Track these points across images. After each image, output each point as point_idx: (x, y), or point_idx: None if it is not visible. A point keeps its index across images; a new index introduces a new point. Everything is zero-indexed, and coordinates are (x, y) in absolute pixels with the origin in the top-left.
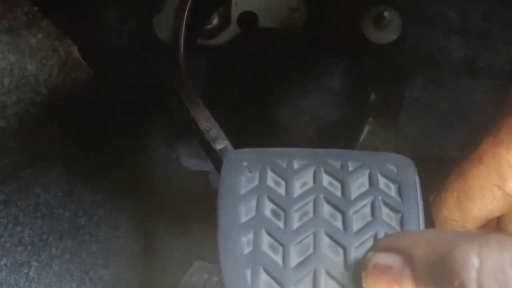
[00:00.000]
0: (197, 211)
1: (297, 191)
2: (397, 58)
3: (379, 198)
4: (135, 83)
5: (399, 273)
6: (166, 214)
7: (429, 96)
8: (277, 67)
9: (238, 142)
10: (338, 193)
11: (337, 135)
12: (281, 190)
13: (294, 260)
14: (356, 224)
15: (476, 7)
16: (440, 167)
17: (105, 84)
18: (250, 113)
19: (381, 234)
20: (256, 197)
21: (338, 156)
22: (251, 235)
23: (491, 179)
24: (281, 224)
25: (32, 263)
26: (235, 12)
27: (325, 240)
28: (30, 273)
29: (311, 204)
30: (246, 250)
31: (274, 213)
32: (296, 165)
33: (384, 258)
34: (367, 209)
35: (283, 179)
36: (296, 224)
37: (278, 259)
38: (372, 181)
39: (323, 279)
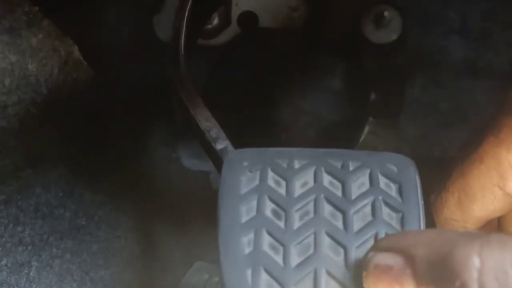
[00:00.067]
0: (198, 211)
1: (297, 191)
2: (397, 58)
3: (380, 198)
4: (135, 83)
5: (400, 273)
6: (167, 214)
7: (429, 96)
8: (277, 67)
9: (239, 142)
10: (339, 193)
11: (337, 135)
12: (282, 190)
13: (294, 260)
14: (356, 224)
15: (476, 7)
16: (440, 167)
17: (105, 84)
18: (250, 113)
19: (381, 234)
20: (257, 197)
21: (338, 156)
22: (251, 235)
23: (492, 179)
24: (281, 224)
25: (32, 263)
26: (235, 12)
27: (326, 240)
28: (31, 273)
29: (311, 204)
30: (247, 250)
31: (275, 213)
32: (296, 165)
33: (385, 258)
34: (368, 209)
35: (284, 179)
36: (296, 224)
37: (279, 259)
38: (372, 181)
39: (323, 279)
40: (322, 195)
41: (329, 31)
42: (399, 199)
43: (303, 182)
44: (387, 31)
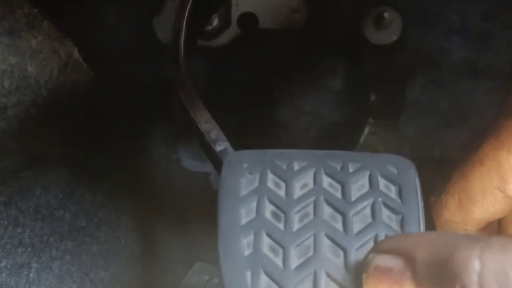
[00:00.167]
0: (198, 211)
1: (297, 192)
2: (397, 58)
3: (380, 199)
4: (135, 83)
5: (400, 275)
6: (166, 215)
7: (429, 97)
8: (277, 67)
9: (239, 142)
10: (339, 194)
11: (338, 136)
12: (281, 192)
13: (294, 262)
14: (356, 225)
15: (476, 7)
16: (440, 167)
17: (105, 84)
18: (250, 114)
19: (381, 236)
20: (257, 199)
21: (338, 157)
22: (251, 237)
23: (492, 181)
24: (281, 226)
25: (32, 265)
26: (235, 13)
27: (326, 242)
28: (31, 275)
29: (311, 206)
30: (247, 252)
31: (275, 215)
32: (296, 166)
33: (385, 260)
34: (368, 211)
35: (283, 180)
36: (296, 226)
37: (279, 261)
38: (372, 183)
39: (323, 281)
40: (322, 197)
41: (329, 32)
42: (399, 201)
43: (302, 184)
44: (387, 32)
